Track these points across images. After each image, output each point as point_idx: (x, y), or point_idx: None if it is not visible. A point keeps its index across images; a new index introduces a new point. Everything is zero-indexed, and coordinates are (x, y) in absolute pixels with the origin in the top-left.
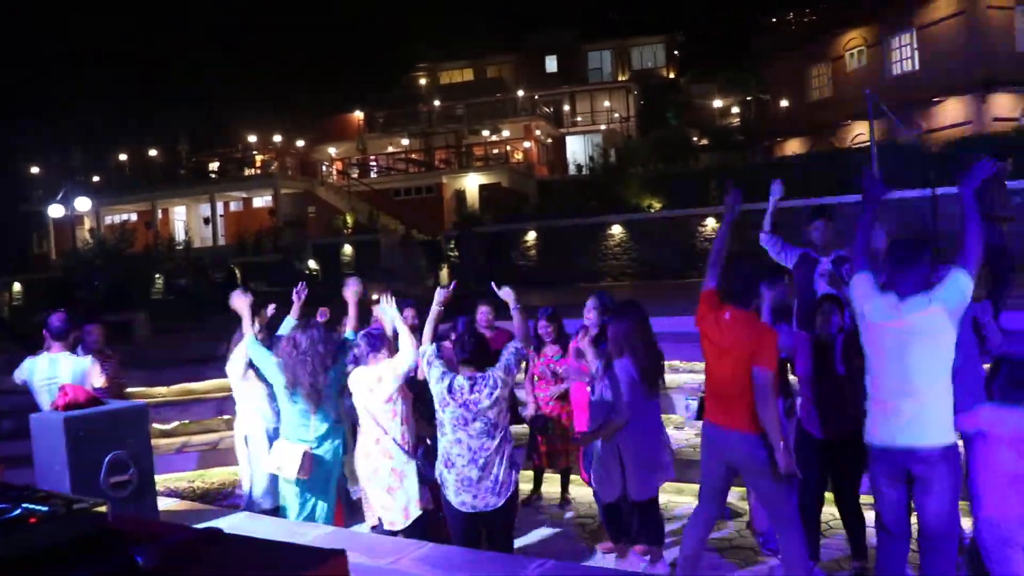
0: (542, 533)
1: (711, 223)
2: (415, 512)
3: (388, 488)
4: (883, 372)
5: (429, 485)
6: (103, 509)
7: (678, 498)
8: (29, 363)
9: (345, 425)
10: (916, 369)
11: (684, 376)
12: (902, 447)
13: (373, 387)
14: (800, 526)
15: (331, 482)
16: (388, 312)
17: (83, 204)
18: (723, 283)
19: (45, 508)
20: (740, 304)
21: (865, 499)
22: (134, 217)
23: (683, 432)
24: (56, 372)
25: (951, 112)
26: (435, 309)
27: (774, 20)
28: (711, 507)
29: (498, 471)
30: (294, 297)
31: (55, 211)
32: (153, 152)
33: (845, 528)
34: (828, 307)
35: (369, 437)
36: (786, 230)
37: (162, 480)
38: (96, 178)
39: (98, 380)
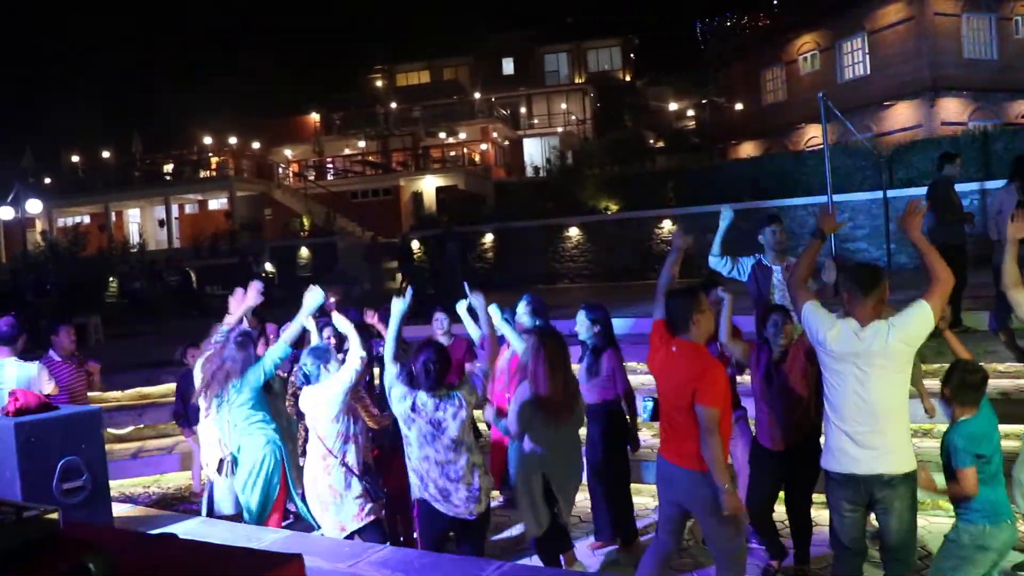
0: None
1: (667, 225)
2: (353, 526)
3: (324, 504)
4: (845, 401)
5: (377, 500)
6: (55, 516)
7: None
8: None
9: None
10: (878, 398)
11: (643, 377)
12: (866, 475)
13: (320, 406)
14: (743, 567)
15: (258, 484)
16: (339, 322)
17: (34, 206)
18: (667, 315)
19: None
20: (678, 331)
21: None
22: (87, 219)
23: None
24: (1, 378)
25: (901, 116)
26: (394, 324)
27: (729, 24)
28: (669, 540)
29: (472, 479)
30: (235, 296)
31: (5, 213)
32: (106, 153)
33: (793, 535)
34: (778, 318)
35: (315, 453)
36: (740, 232)
37: (117, 486)
38: (48, 179)
39: (47, 387)
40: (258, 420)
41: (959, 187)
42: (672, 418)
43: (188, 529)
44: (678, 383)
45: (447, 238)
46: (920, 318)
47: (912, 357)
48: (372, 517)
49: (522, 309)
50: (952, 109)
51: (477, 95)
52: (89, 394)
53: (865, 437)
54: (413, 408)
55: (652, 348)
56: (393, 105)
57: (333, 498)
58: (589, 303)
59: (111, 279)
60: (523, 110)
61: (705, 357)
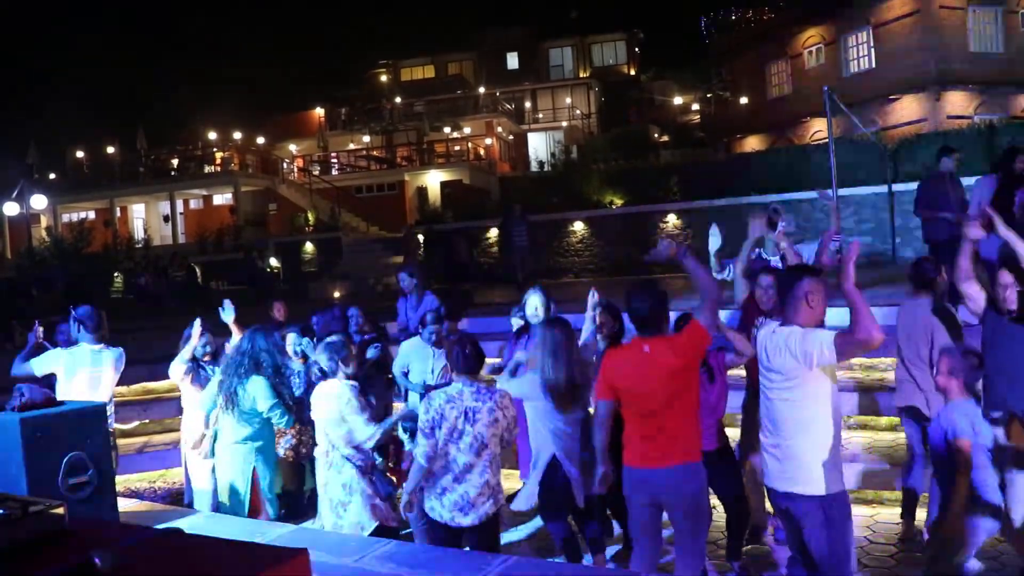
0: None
1: (672, 219)
2: (371, 526)
3: (340, 503)
4: (764, 414)
5: (388, 499)
6: (60, 511)
7: None
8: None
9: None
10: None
11: None
12: (780, 491)
13: (327, 401)
14: (704, 562)
15: (235, 474)
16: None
17: (39, 202)
18: (638, 315)
19: (0, 511)
20: (656, 331)
21: None
22: (92, 215)
23: None
24: (100, 363)
25: (907, 109)
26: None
27: (734, 18)
28: (651, 543)
29: (483, 487)
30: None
31: (10, 209)
32: (111, 149)
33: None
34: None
35: (320, 449)
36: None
37: (122, 481)
38: (52, 175)
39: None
40: (254, 422)
41: (965, 181)
42: (651, 425)
43: (194, 524)
44: (662, 375)
45: (511, 222)
46: (814, 339)
47: (812, 378)
48: (390, 523)
49: (537, 300)
50: (958, 103)
51: (481, 90)
52: None
53: (774, 453)
54: (448, 400)
55: (606, 368)
56: (398, 100)
57: (350, 495)
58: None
59: (116, 275)
60: (527, 105)
61: (677, 336)
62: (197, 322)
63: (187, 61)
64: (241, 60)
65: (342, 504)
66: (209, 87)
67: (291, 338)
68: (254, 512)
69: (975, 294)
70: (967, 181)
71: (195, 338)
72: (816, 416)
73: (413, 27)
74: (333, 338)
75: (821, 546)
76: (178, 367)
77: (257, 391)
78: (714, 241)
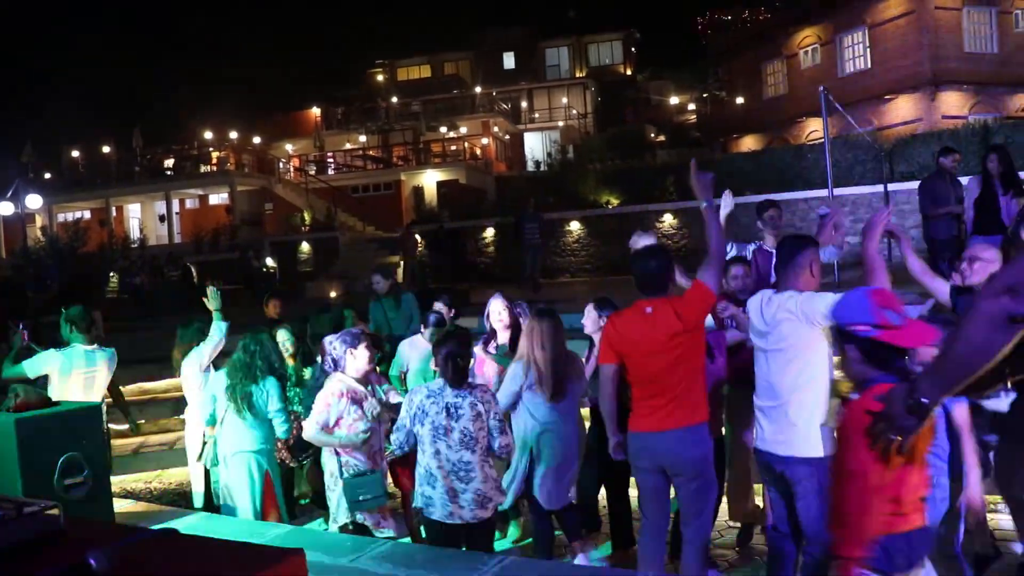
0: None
1: (668, 219)
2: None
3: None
4: (759, 376)
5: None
6: (56, 512)
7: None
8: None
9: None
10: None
11: None
12: (775, 454)
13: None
14: (709, 540)
15: (248, 479)
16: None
17: (34, 201)
18: (644, 276)
19: None
20: (659, 291)
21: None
22: (88, 215)
23: None
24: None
25: (902, 109)
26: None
27: (729, 18)
28: (659, 514)
29: (481, 486)
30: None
31: (4, 208)
32: (107, 149)
33: None
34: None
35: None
36: (740, 225)
37: (118, 482)
38: (48, 175)
39: None
40: (259, 424)
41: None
42: (657, 382)
43: (189, 525)
44: (664, 336)
45: (524, 219)
46: (810, 302)
47: (808, 336)
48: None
49: (499, 306)
50: (952, 103)
51: (478, 89)
52: None
53: (767, 414)
54: (429, 395)
55: (608, 336)
56: (394, 99)
57: (334, 485)
58: (600, 298)
59: (111, 274)
60: (524, 104)
61: (680, 297)
62: (224, 325)
63: (184, 61)
64: (238, 60)
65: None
66: (206, 87)
67: (281, 335)
68: (264, 518)
69: (938, 286)
70: (963, 180)
71: (219, 341)
72: (812, 378)
73: (410, 27)
74: (351, 328)
75: (812, 514)
76: (194, 367)
77: (272, 392)
78: (725, 209)
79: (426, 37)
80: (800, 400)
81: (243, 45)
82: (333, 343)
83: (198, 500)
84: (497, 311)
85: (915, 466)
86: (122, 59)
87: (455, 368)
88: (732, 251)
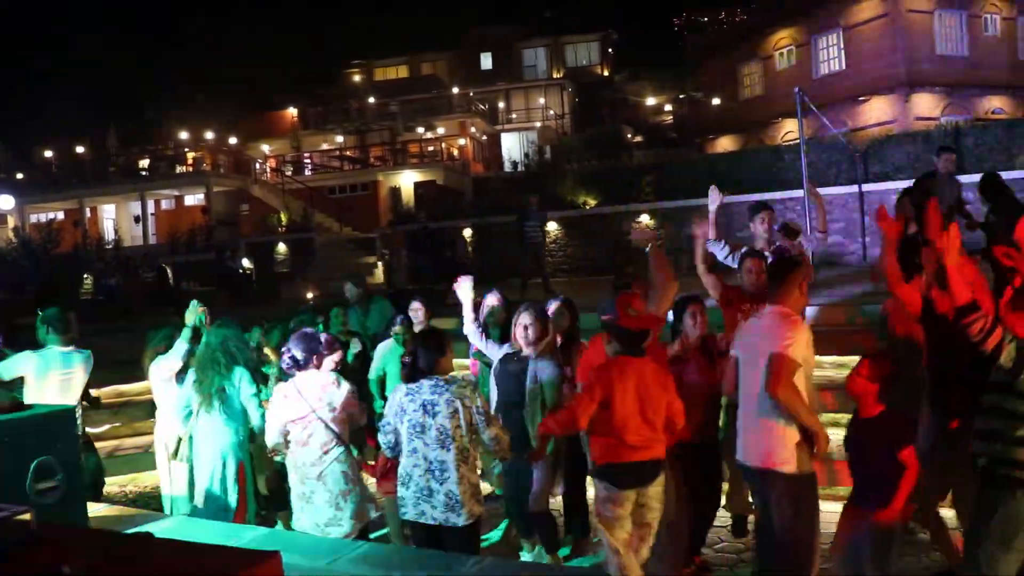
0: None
1: (645, 219)
2: (371, 515)
3: (341, 492)
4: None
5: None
6: (27, 517)
7: None
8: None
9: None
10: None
11: None
12: (752, 467)
13: (325, 392)
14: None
15: (222, 471)
16: None
17: (6, 202)
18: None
19: None
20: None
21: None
22: (61, 216)
23: None
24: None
25: (876, 110)
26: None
27: (706, 19)
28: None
29: (454, 488)
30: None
31: None
32: (80, 149)
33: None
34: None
35: (315, 443)
36: (719, 226)
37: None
38: (20, 175)
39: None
40: (229, 420)
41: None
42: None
43: (164, 528)
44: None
45: (525, 216)
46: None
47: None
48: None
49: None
50: (925, 104)
51: (455, 90)
52: None
53: (745, 426)
54: (408, 393)
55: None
56: (371, 100)
57: (352, 484)
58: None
59: (86, 276)
60: (501, 105)
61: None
62: (184, 348)
63: (160, 61)
64: (214, 60)
65: (345, 493)
66: (181, 87)
67: (255, 334)
68: (241, 512)
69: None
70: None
71: (177, 359)
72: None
73: (387, 27)
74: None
75: (787, 526)
76: (166, 368)
77: (243, 380)
78: (713, 204)
79: (403, 38)
80: (778, 415)
81: (220, 45)
82: (288, 346)
83: (167, 503)
84: (522, 321)
85: None
86: (96, 58)
87: (410, 367)
88: (724, 248)
